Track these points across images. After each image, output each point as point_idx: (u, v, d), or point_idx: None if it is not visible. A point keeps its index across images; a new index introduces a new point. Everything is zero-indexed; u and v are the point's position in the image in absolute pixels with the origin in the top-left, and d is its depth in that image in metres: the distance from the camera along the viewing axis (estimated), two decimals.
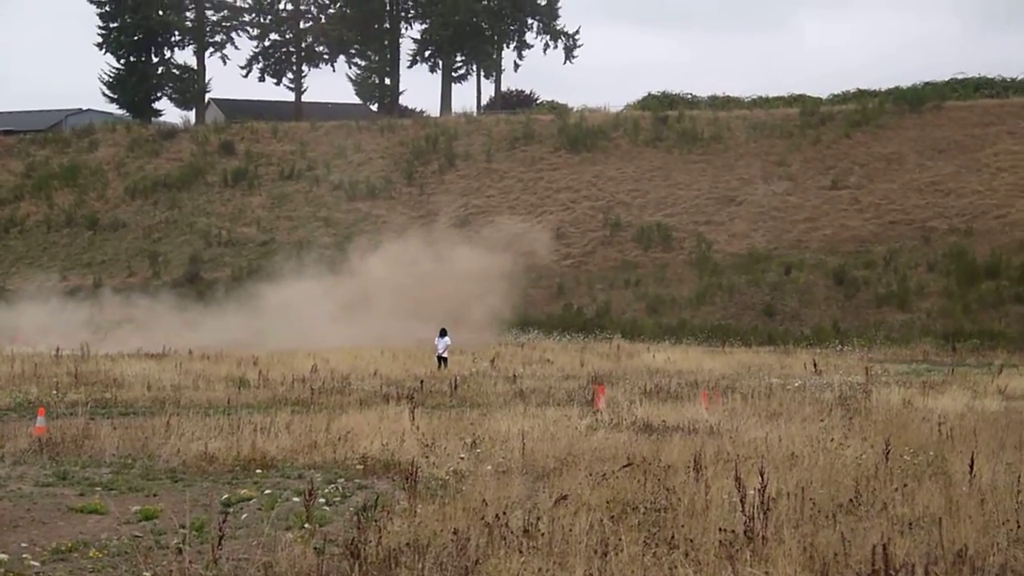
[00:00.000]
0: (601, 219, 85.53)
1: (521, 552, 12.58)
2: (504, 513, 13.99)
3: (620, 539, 12.89)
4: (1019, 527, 13.52)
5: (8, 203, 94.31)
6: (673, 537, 13.09)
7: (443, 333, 50.03)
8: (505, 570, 11.98)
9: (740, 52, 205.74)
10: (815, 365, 44.95)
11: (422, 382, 37.92)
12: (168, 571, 11.65)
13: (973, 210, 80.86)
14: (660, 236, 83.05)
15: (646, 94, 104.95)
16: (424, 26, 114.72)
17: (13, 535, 15.43)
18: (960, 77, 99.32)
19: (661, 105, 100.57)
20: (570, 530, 13.60)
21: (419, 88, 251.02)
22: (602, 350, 56.83)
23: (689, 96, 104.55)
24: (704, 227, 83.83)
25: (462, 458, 20.41)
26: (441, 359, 48.76)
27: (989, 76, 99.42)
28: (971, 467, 16.51)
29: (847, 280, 75.73)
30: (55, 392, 34.45)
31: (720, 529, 13.11)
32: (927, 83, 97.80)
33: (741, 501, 13.63)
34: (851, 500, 15.42)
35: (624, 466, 18.40)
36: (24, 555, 13.57)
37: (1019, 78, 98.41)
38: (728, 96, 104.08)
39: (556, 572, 11.88)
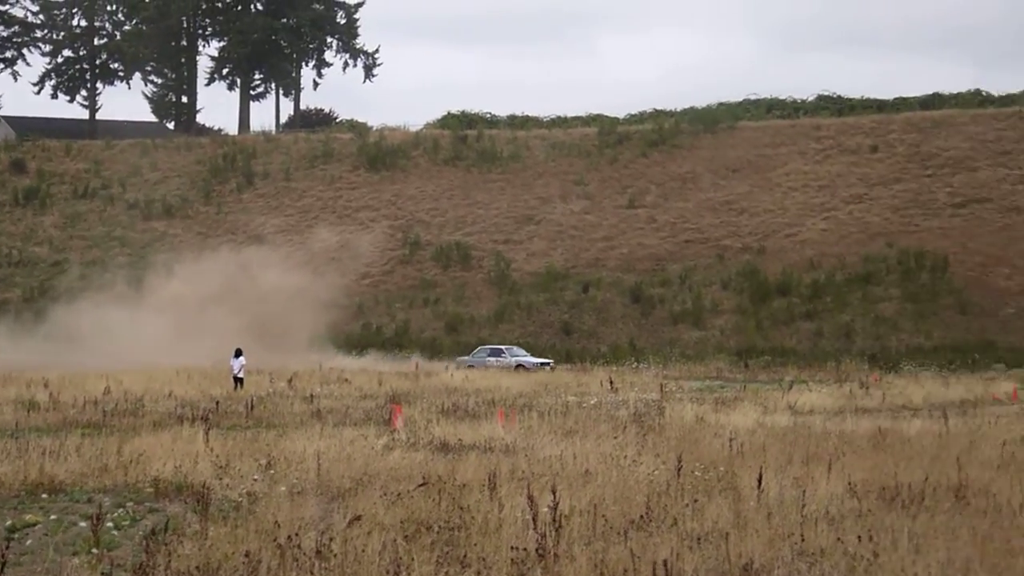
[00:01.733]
0: (400, 238, 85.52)
1: (313, 573, 12.50)
2: (297, 534, 13.85)
3: (413, 559, 12.87)
4: (804, 540, 13.81)
5: None
6: (466, 555, 13.11)
7: (238, 353, 49.45)
8: None
9: (539, 72, 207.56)
10: (611, 382, 45.42)
11: (218, 403, 37.45)
12: None
13: (765, 229, 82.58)
14: (459, 255, 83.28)
15: (445, 113, 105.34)
16: (222, 44, 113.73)
17: None
18: (753, 98, 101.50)
19: (460, 124, 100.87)
20: (363, 550, 13.52)
21: (217, 106, 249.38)
22: (400, 369, 56.79)
23: (488, 115, 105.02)
24: (503, 246, 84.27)
25: (256, 479, 20.18)
26: (237, 379, 48.19)
27: (781, 97, 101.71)
28: (759, 482, 16.80)
29: (643, 298, 76.76)
30: None
31: (512, 547, 13.15)
32: (721, 104, 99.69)
33: (533, 519, 13.70)
34: (642, 516, 15.57)
35: (419, 485, 18.37)
36: None
37: (810, 99, 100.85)
38: (527, 116, 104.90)
39: None
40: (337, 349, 68.88)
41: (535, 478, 18.76)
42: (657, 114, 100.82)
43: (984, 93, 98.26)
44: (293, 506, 17.11)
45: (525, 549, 13.01)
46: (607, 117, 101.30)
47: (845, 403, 39.38)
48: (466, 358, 65.34)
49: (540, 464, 21.49)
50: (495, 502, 16.55)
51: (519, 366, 61.02)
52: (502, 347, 66.05)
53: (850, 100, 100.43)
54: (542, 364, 62.84)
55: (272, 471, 21.02)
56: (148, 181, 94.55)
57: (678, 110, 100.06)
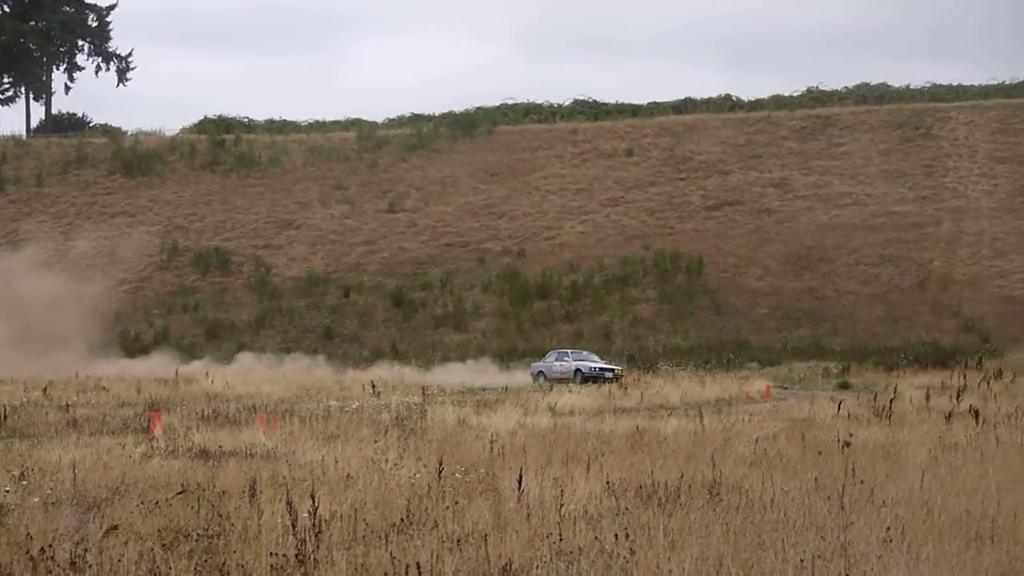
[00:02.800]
0: (158, 244, 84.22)
1: None
2: (51, 545, 13.57)
3: (171, 567, 12.72)
4: (562, 540, 13.98)
5: None
6: (225, 563, 12.99)
7: None
8: None
9: (297, 76, 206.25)
10: (373, 386, 45.38)
11: None
12: None
13: (524, 232, 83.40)
14: (218, 260, 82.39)
15: (202, 117, 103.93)
16: None
17: None
18: (510, 103, 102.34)
19: (218, 129, 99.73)
20: (119, 560, 13.31)
21: None
22: (161, 376, 55.90)
23: (246, 120, 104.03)
24: (263, 251, 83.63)
25: (7, 491, 19.69)
26: None
27: (538, 102, 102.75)
28: (519, 483, 16.96)
29: (405, 302, 76.89)
30: None
31: (272, 553, 13.09)
32: (479, 108, 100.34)
33: (293, 524, 13.64)
34: (403, 519, 15.62)
35: (178, 493, 18.12)
36: None
37: (566, 104, 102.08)
38: (285, 120, 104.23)
39: None
40: (97, 357, 67.38)
41: (296, 483, 18.66)
42: (416, 118, 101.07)
43: (734, 98, 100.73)
44: (47, 517, 16.71)
45: (285, 555, 12.95)
46: (366, 122, 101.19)
47: (604, 403, 39.94)
48: (539, 364, 59.41)
49: (301, 469, 21.37)
50: (255, 508, 16.40)
51: (577, 371, 55.37)
52: (567, 351, 59.84)
53: (605, 105, 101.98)
54: (604, 371, 55.96)
55: (25, 482, 20.51)
56: None
57: (436, 115, 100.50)
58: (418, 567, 10.22)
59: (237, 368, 62.32)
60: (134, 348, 70.66)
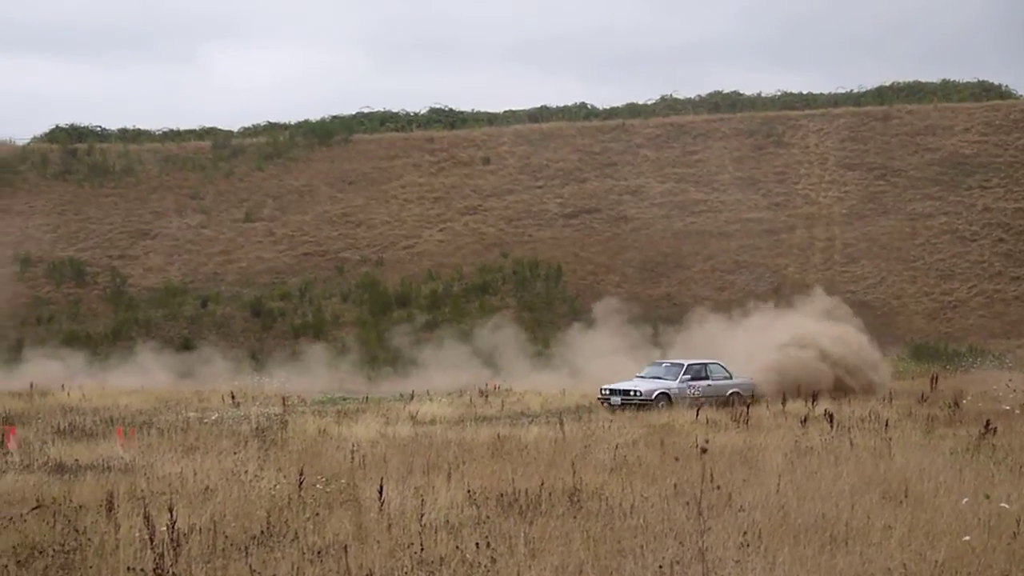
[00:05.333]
0: (10, 255, 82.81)
1: None
2: None
3: None
4: (423, 550, 14.01)
5: None
6: None
7: None
8: None
9: (149, 85, 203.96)
10: (233, 397, 45.06)
11: None
12: None
13: (383, 241, 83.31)
14: (73, 271, 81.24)
15: (54, 126, 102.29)
16: None
17: None
18: (367, 111, 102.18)
19: (70, 138, 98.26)
20: None
21: None
22: (15, 388, 54.93)
23: (99, 129, 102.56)
24: (118, 261, 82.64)
25: None
26: None
27: (394, 110, 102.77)
28: (380, 493, 16.96)
29: (264, 311, 76.43)
30: None
31: (129, 568, 12.97)
32: (335, 117, 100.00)
33: (151, 538, 13.52)
34: (263, 531, 15.56)
35: (33, 508, 17.88)
36: None
37: (422, 112, 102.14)
38: (139, 129, 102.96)
39: None
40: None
41: (154, 497, 18.50)
42: (271, 127, 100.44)
43: (589, 106, 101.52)
44: None
45: (143, 570, 12.86)
46: (221, 130, 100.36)
47: (465, 412, 40.03)
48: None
49: (160, 482, 21.18)
50: (112, 523, 16.24)
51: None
52: (704, 362, 45.27)
53: (462, 113, 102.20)
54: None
55: None
56: None
57: (293, 123, 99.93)
58: None
59: (93, 380, 61.45)
60: None
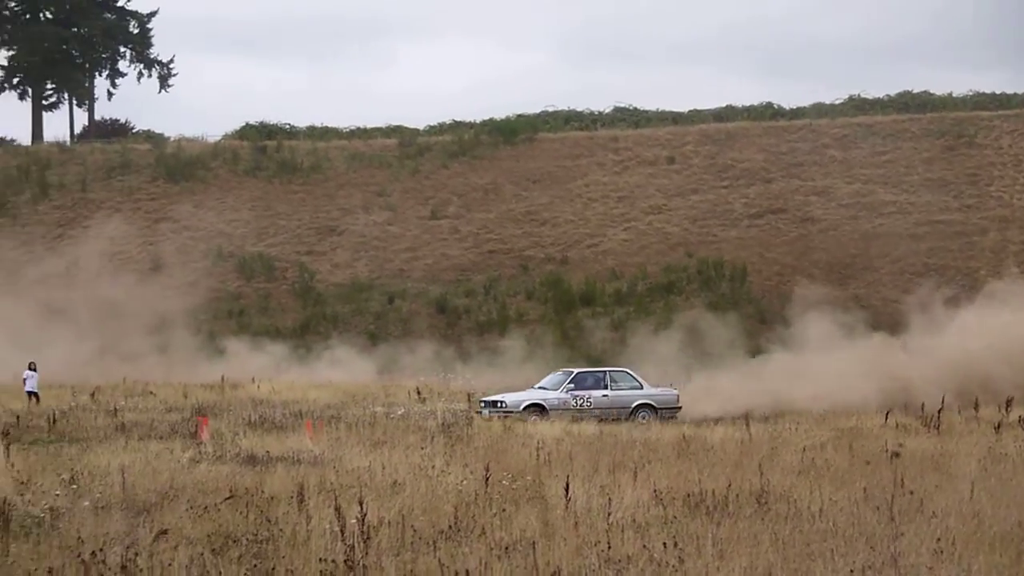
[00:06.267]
0: (201, 249, 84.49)
1: None
2: (101, 549, 13.67)
3: (220, 572, 12.77)
4: (610, 548, 13.99)
5: None
6: (274, 568, 13.07)
7: (32, 367, 48.55)
8: None
9: (338, 82, 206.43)
10: (419, 393, 45.50)
11: (18, 417, 36.78)
12: None
13: (567, 239, 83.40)
14: (262, 266, 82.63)
15: (244, 124, 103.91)
16: (11, 52, 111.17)
17: None
18: (551, 110, 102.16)
19: (260, 135, 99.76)
20: (170, 564, 13.41)
21: (8, 116, 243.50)
22: (207, 381, 56.09)
23: (288, 126, 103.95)
24: (306, 257, 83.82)
25: (58, 494, 19.85)
26: (32, 394, 47.21)
27: (578, 109, 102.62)
28: (567, 490, 16.98)
29: (449, 308, 77.03)
30: None
31: (320, 559, 13.14)
32: (520, 115, 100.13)
33: (341, 530, 13.70)
34: (451, 526, 15.67)
35: (226, 498, 18.25)
36: None
37: (607, 111, 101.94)
38: (327, 126, 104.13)
39: None
40: (138, 362, 67.38)
41: (343, 489, 18.75)
42: (457, 125, 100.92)
43: (776, 106, 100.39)
44: (97, 521, 16.86)
45: (334, 561, 13.02)
46: (407, 128, 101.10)
47: None
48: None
49: (348, 475, 21.48)
50: (303, 514, 16.51)
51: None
52: (603, 370, 43.90)
53: (646, 112, 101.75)
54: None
55: (76, 486, 20.68)
56: None
57: (477, 122, 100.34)
58: (467, 574, 10.20)
59: (282, 374, 62.46)
60: (182, 354, 70.70)
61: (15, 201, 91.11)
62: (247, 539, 15.18)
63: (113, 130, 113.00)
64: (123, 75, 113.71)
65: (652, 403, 40.00)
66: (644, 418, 38.53)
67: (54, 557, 14.22)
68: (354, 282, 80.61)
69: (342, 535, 13.56)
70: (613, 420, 36.31)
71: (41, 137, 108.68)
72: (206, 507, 17.63)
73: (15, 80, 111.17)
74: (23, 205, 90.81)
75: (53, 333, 65.10)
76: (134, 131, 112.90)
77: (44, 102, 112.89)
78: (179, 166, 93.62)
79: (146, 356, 65.16)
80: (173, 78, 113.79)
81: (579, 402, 39.76)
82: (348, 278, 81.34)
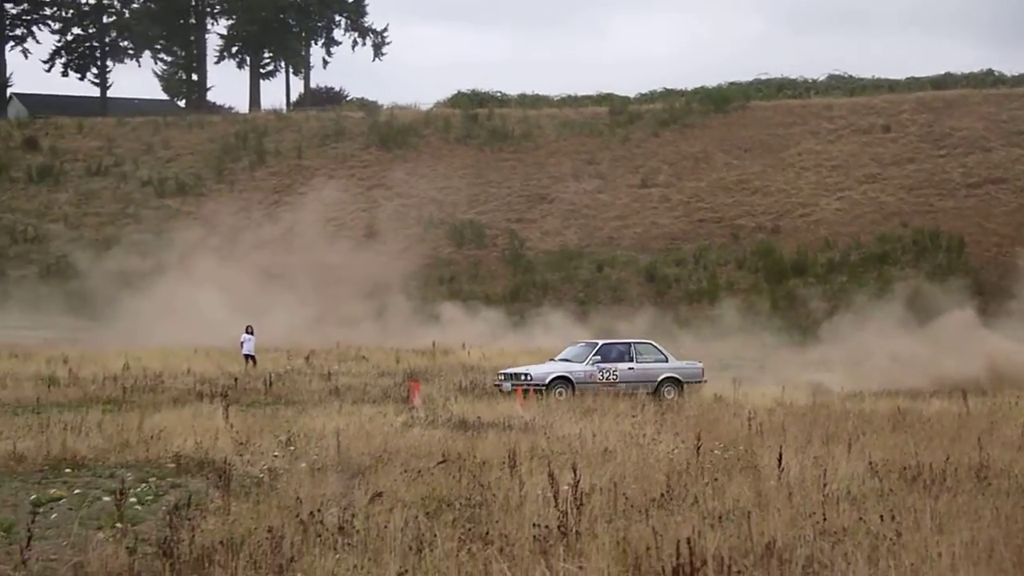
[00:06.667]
0: (414, 216, 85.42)
1: (336, 549, 12.51)
2: (319, 510, 13.90)
3: (435, 535, 12.88)
4: (825, 519, 13.80)
5: None
6: (488, 533, 13.12)
7: (249, 331, 49.57)
8: (320, 567, 11.91)
9: (549, 50, 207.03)
10: None
11: (236, 380, 37.65)
12: None
13: (779, 208, 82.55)
14: (473, 233, 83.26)
15: (456, 92, 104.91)
16: (230, 22, 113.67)
17: None
18: (764, 78, 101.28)
19: (471, 103, 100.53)
20: (385, 527, 13.55)
21: (227, 84, 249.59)
22: (418, 347, 56.74)
23: (499, 94, 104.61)
24: (516, 224, 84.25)
25: (276, 456, 20.25)
26: (249, 357, 48.22)
27: (792, 77, 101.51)
28: (779, 461, 16.81)
29: (658, 276, 76.85)
30: None
31: (534, 524, 13.16)
32: (732, 83, 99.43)
33: (554, 496, 13.72)
34: (663, 494, 15.59)
35: (439, 463, 18.43)
36: None
37: (820, 79, 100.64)
38: (537, 94, 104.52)
39: (371, 569, 11.84)
40: (350, 328, 68.25)
41: (554, 456, 18.78)
42: (668, 93, 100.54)
43: (996, 73, 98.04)
44: (314, 482, 17.15)
45: (547, 526, 13.00)
46: (618, 96, 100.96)
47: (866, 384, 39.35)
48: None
49: (559, 442, 21.54)
50: (515, 480, 16.57)
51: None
52: (628, 341, 41.23)
53: (861, 80, 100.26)
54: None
55: (292, 448, 21.08)
56: (160, 159, 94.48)
57: (689, 89, 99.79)
58: (688, 543, 10.14)
59: (492, 340, 62.83)
60: (396, 319, 71.45)
61: (233, 168, 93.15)
62: (460, 503, 15.30)
63: (328, 98, 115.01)
64: (338, 43, 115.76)
65: (678, 376, 38.04)
66: (669, 393, 36.75)
67: (273, 517, 14.48)
68: (563, 250, 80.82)
69: (555, 501, 13.58)
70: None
71: (258, 105, 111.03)
72: (419, 471, 17.81)
73: (234, 49, 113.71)
74: (240, 172, 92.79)
75: (272, 298, 66.35)
76: (348, 99, 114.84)
77: (261, 71, 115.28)
78: (392, 134, 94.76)
79: (361, 321, 66.01)
80: (387, 46, 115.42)
81: (605, 375, 37.64)
82: (558, 246, 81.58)
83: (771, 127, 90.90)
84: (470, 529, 13.42)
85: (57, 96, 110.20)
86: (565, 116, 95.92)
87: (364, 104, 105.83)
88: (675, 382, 37.69)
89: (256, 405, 30.87)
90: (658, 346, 39.88)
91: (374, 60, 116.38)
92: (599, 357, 38.06)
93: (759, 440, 21.45)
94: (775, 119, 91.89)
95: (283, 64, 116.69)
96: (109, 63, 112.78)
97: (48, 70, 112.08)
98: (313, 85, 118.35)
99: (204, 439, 22.04)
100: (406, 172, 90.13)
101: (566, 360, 39.00)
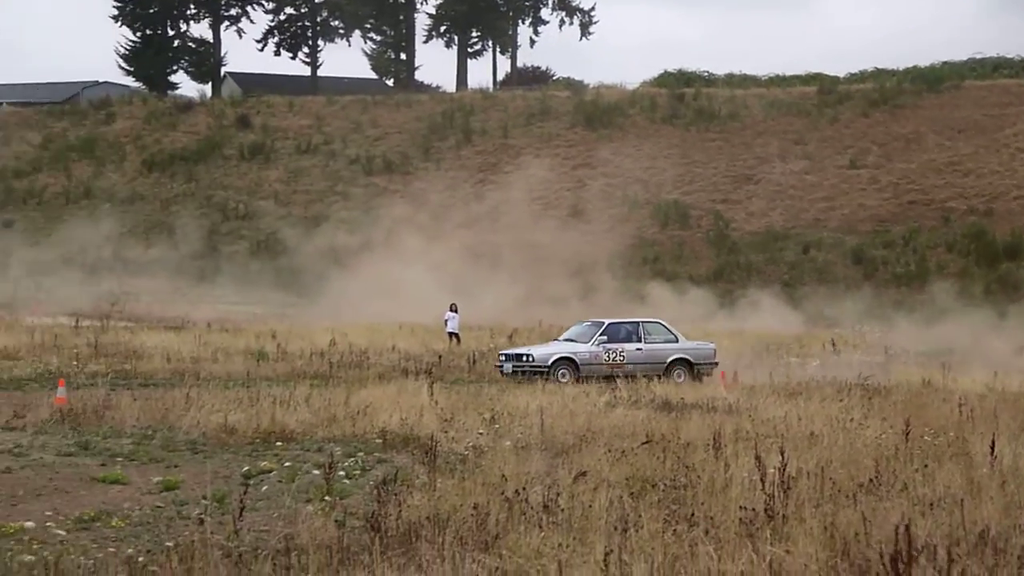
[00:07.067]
0: (619, 196, 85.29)
1: (541, 527, 12.54)
2: (524, 488, 13.97)
3: (640, 515, 12.84)
4: None
5: (26, 175, 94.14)
6: (693, 514, 13.02)
7: (453, 309, 49.92)
8: (525, 544, 11.94)
9: (756, 29, 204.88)
10: (833, 344, 44.81)
11: (440, 357, 37.99)
12: (190, 541, 11.64)
13: (992, 191, 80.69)
14: (677, 214, 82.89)
15: (662, 71, 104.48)
16: (439, 1, 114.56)
17: (36, 504, 15.54)
18: (978, 57, 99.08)
19: (677, 82, 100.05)
20: (590, 506, 13.56)
21: (435, 63, 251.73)
22: None
23: (705, 74, 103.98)
24: (721, 205, 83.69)
25: (481, 433, 20.41)
26: (453, 335, 48.60)
27: (1008, 56, 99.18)
28: (992, 448, 16.43)
29: (865, 259, 75.71)
30: (75, 363, 34.71)
31: (740, 507, 13.04)
32: (945, 63, 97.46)
33: (761, 479, 13.59)
34: (871, 480, 15.32)
35: (643, 443, 18.38)
36: (48, 523, 13.60)
37: None
38: (745, 74, 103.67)
39: (576, 547, 11.84)
40: (552, 307, 68.20)
41: (759, 439, 18.61)
42: (878, 73, 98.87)
43: None
44: (518, 461, 17.23)
45: (754, 509, 12.87)
46: (827, 76, 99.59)
47: None
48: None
49: (764, 425, 21.34)
50: (720, 462, 16.45)
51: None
52: (636, 320, 38.94)
53: None
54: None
55: (496, 425, 21.23)
56: (368, 137, 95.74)
57: (900, 69, 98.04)
58: (906, 529, 9.95)
59: (693, 322, 62.23)
60: (603, 299, 71.29)
61: (439, 147, 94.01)
62: (665, 484, 15.23)
63: (534, 77, 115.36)
64: (545, 23, 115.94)
65: (688, 358, 36.04)
66: (679, 377, 34.79)
67: (478, 494, 14.58)
68: (769, 231, 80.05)
69: (762, 484, 13.45)
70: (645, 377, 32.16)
71: (465, 84, 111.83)
72: (623, 451, 17.78)
73: (442, 29, 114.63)
74: (447, 151, 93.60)
75: (478, 276, 66.75)
76: (554, 78, 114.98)
77: (469, 50, 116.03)
78: (597, 113, 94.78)
79: (568, 300, 66.05)
80: (594, 25, 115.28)
81: (611, 356, 35.42)
82: (763, 227, 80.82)
83: (986, 107, 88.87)
84: (675, 510, 13.35)
85: (269, 75, 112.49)
86: (773, 96, 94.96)
87: (570, 84, 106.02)
88: (686, 364, 35.96)
89: (460, 383, 31.16)
90: (668, 325, 37.86)
91: (581, 39, 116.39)
92: (605, 337, 36.03)
93: (970, 426, 21.00)
94: (990, 99, 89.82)
95: (490, 43, 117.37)
96: (320, 42, 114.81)
97: (261, 49, 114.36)
98: (519, 64, 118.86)
99: (409, 415, 22.33)
100: (611, 152, 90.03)
101: (571, 340, 36.95)
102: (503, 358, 35.96)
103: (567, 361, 35.12)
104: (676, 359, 35.87)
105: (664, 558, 11.18)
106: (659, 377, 33.74)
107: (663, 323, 37.89)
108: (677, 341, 36.66)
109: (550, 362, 34.90)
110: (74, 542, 12.82)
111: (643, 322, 37.49)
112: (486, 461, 17.49)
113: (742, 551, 11.46)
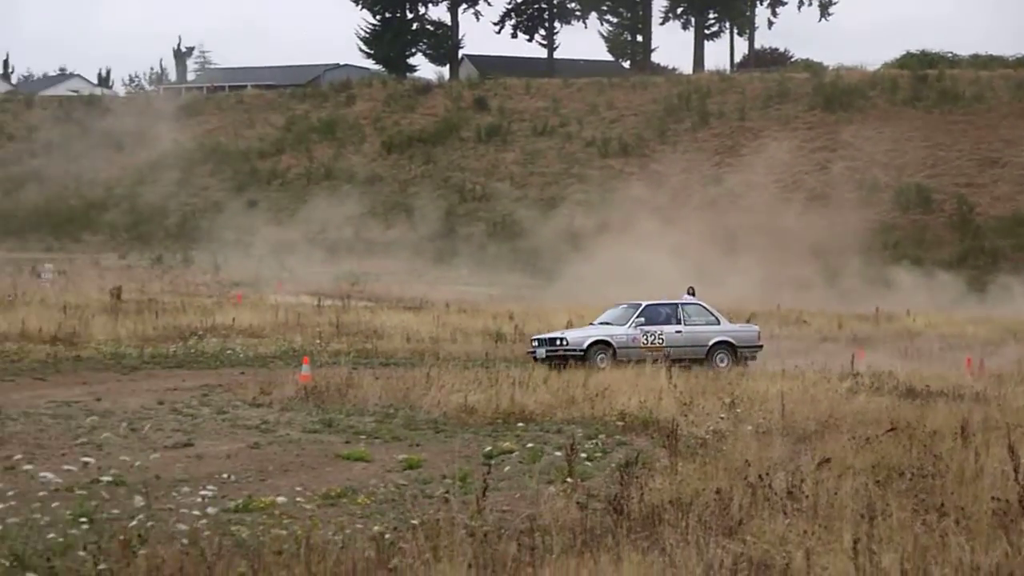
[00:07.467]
0: (858, 180, 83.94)
1: (785, 514, 12.36)
2: (767, 474, 13.77)
3: (888, 504, 12.57)
4: None
5: (270, 156, 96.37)
6: (943, 504, 12.70)
7: (690, 292, 49.64)
8: (769, 531, 11.79)
9: (1003, 8, 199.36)
10: None
11: None
12: (435, 519, 11.73)
13: None
14: (919, 198, 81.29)
15: (904, 52, 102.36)
16: None
17: (284, 479, 15.88)
18: None
19: (920, 64, 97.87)
20: (835, 493, 13.32)
21: (671, 45, 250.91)
22: (860, 312, 55.61)
23: (949, 55, 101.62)
24: (965, 189, 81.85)
25: (721, 418, 20.24)
26: None
27: None
28: None
29: None
30: (318, 341, 35.45)
31: (993, 498, 12.67)
32: None
33: (1015, 470, 13.18)
34: None
35: (888, 431, 18.00)
36: (297, 499, 13.86)
37: None
38: (991, 55, 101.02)
39: (822, 535, 11.64)
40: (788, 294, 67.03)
41: (1012, 428, 18.07)
42: None
43: None
44: (760, 446, 17.03)
45: (1007, 500, 12.50)
46: None
47: None
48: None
49: (1015, 414, 20.75)
50: (969, 451, 16.03)
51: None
52: (675, 302, 37.00)
53: None
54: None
55: (736, 410, 21.02)
56: (604, 119, 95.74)
57: None
58: None
59: (942, 307, 60.44)
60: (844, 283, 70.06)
61: (676, 129, 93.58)
62: (912, 473, 14.88)
63: (772, 59, 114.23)
64: (783, 4, 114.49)
65: (731, 340, 34.35)
66: (722, 361, 33.19)
67: (720, 478, 14.46)
68: (1016, 215, 78.08)
69: (1015, 474, 13.05)
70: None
71: (702, 66, 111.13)
72: (867, 438, 17.45)
73: (679, 10, 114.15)
74: (683, 133, 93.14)
75: (717, 260, 66.16)
76: (792, 60, 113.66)
77: (706, 32, 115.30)
78: (837, 95, 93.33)
79: (810, 284, 65.11)
80: (833, 6, 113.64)
81: (650, 339, 33.80)
82: (1009, 211, 78.85)
83: None
84: (923, 500, 13.04)
85: (506, 57, 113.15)
86: (1020, 77, 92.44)
87: (809, 65, 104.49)
88: (729, 348, 34.34)
89: (697, 366, 30.94)
90: (709, 307, 36.22)
91: (820, 20, 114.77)
92: (643, 319, 34.47)
93: None
94: None
95: (727, 25, 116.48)
96: (556, 24, 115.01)
97: (498, 32, 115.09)
98: (757, 46, 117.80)
99: (648, 398, 22.28)
100: (852, 134, 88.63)
101: (607, 323, 35.31)
102: (535, 343, 34.37)
103: (603, 344, 33.81)
104: (718, 342, 34.54)
105: (914, 548, 10.93)
106: (700, 362, 32.81)
107: (704, 305, 36.49)
108: (719, 324, 35.36)
109: (585, 346, 33.50)
110: (322, 518, 13.03)
111: (683, 304, 36.10)
112: (727, 446, 17.33)
113: (996, 543, 11.15)
